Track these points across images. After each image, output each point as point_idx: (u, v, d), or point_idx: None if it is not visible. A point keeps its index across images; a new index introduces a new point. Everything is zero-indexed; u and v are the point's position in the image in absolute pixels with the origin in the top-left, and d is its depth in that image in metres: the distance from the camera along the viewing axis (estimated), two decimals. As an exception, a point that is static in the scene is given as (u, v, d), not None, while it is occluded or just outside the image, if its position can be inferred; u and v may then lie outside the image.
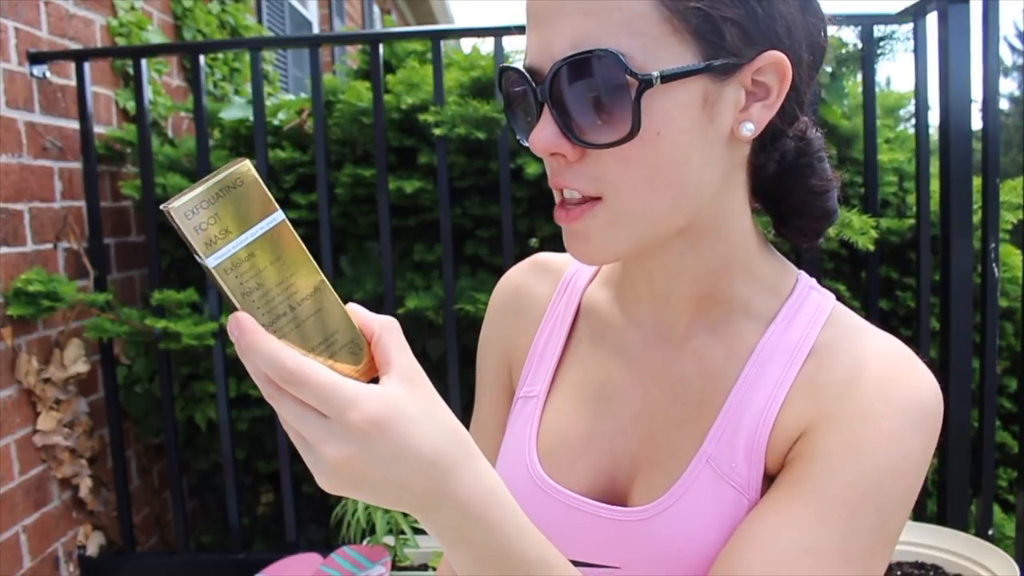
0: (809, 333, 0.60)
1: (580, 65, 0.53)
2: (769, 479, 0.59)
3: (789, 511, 0.54)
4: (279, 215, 0.46)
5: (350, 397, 0.45)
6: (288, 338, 0.47)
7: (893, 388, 0.56)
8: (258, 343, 0.45)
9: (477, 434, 0.79)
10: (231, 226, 0.45)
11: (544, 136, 0.55)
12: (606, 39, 0.52)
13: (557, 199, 0.60)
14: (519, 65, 0.57)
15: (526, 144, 0.60)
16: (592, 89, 0.53)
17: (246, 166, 0.46)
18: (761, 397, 0.59)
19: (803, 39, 0.57)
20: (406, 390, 0.48)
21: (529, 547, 0.51)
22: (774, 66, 0.55)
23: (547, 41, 0.55)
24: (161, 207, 0.44)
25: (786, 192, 0.64)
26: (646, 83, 0.52)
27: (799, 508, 0.54)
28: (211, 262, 0.44)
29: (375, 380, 0.49)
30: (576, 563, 0.59)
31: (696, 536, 0.58)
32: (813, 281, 0.66)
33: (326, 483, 0.47)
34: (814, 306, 0.62)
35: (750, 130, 0.56)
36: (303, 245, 0.47)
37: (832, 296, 0.65)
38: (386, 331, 0.49)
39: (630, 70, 0.52)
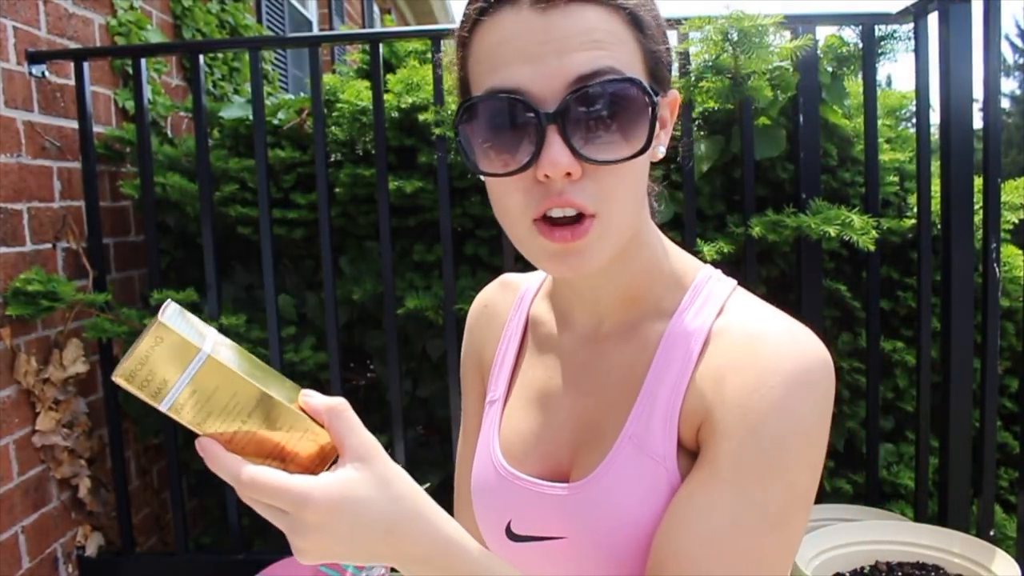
0: (705, 322, 0.67)
1: (604, 87, 0.59)
2: (684, 450, 0.66)
3: (712, 489, 0.61)
4: (204, 353, 0.53)
5: (301, 496, 0.53)
6: (247, 449, 0.55)
7: (778, 360, 0.61)
8: (218, 462, 0.54)
9: (464, 438, 0.89)
10: (168, 374, 0.53)
11: (557, 157, 0.59)
12: (620, 66, 0.60)
13: (535, 217, 0.62)
14: (509, 95, 0.59)
15: (504, 172, 0.62)
16: (613, 108, 0.59)
17: (165, 326, 0.52)
18: (669, 382, 0.66)
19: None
20: (358, 470, 0.55)
21: None
22: (673, 99, 0.68)
23: (554, 70, 0.59)
24: (112, 377, 0.54)
25: None
26: (655, 104, 0.61)
27: (718, 485, 0.60)
28: (163, 406, 0.53)
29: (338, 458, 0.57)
30: (531, 537, 0.72)
31: (623, 504, 0.66)
32: (717, 272, 0.73)
33: (302, 560, 0.55)
34: (711, 295, 0.70)
35: (662, 152, 0.68)
36: (233, 369, 0.54)
37: (733, 283, 0.72)
38: (334, 417, 0.57)
39: (648, 92, 0.60)
